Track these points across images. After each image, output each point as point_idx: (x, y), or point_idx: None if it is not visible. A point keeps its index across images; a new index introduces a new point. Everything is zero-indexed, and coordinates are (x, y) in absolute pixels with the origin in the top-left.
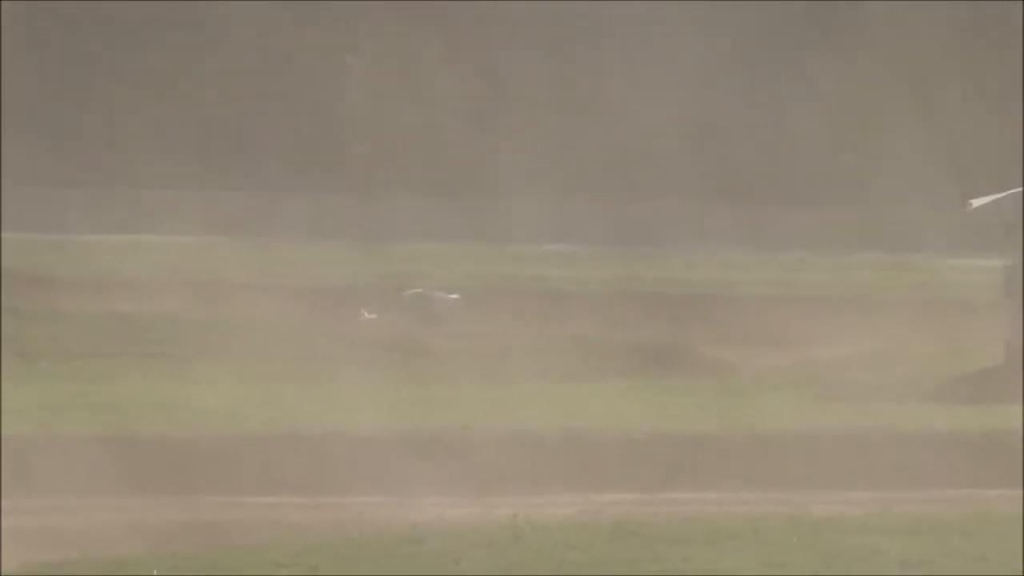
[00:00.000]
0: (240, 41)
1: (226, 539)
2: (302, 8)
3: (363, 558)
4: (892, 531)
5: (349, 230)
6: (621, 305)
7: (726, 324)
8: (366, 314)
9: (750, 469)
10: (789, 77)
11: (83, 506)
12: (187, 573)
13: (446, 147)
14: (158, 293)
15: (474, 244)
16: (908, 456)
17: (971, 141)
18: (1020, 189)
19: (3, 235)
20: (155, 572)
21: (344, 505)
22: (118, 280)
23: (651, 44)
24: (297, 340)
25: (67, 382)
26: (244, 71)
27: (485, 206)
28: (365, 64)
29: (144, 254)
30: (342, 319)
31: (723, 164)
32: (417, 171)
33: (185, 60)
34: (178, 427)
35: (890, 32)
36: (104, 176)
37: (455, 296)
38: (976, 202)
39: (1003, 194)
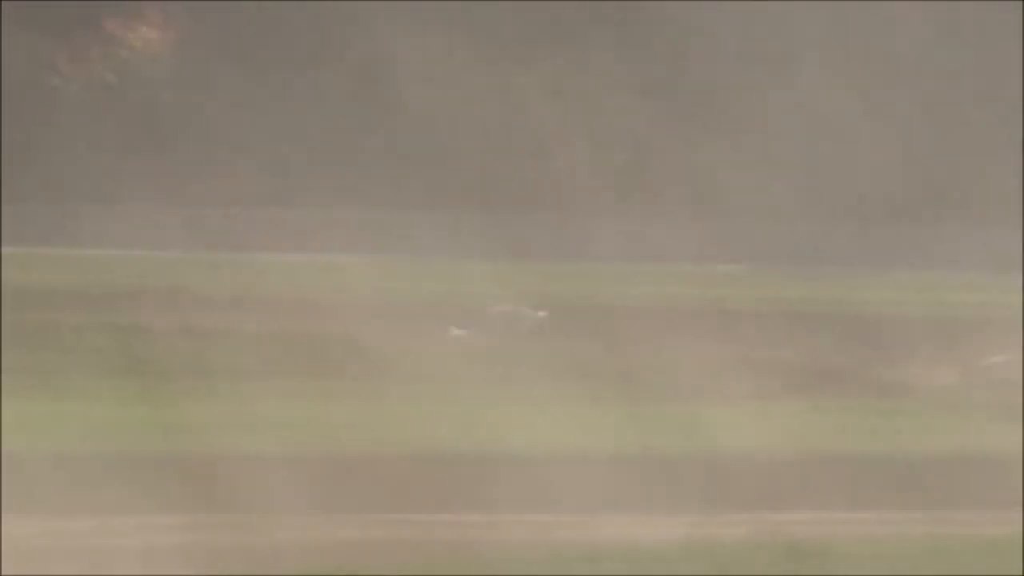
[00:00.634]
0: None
1: (406, 558)
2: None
3: None
4: None
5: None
6: (790, 325)
7: (896, 344)
8: (536, 321)
9: (927, 489)
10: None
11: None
12: None
13: (610, 166)
14: (323, 312)
15: (637, 263)
16: None
17: None
18: None
19: (187, 254)
20: None
21: (522, 524)
22: (288, 299)
23: (835, 57)
24: (466, 359)
25: (244, 402)
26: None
27: (642, 226)
28: (527, 84)
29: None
30: (513, 340)
31: (888, 183)
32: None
33: (351, 82)
34: (354, 446)
35: None
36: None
37: (543, 314)
38: None
39: None
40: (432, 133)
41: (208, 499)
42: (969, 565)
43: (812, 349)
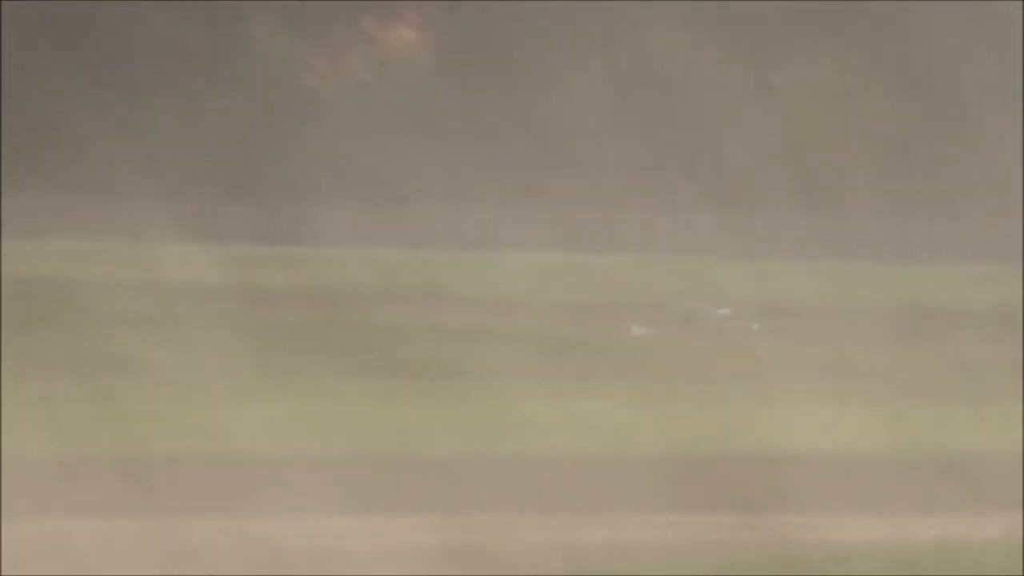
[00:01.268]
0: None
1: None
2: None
3: None
4: None
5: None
6: (1005, 325)
7: None
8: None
9: None
10: None
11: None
12: None
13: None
14: (530, 311)
15: (823, 263)
16: None
17: None
18: None
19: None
20: None
21: (769, 526)
22: (495, 297)
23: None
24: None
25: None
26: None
27: (836, 224)
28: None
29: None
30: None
31: None
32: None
33: (609, 84)
34: (578, 447)
35: None
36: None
37: (726, 311)
38: None
39: None
40: (696, 134)
41: (467, 500)
42: None
43: None
